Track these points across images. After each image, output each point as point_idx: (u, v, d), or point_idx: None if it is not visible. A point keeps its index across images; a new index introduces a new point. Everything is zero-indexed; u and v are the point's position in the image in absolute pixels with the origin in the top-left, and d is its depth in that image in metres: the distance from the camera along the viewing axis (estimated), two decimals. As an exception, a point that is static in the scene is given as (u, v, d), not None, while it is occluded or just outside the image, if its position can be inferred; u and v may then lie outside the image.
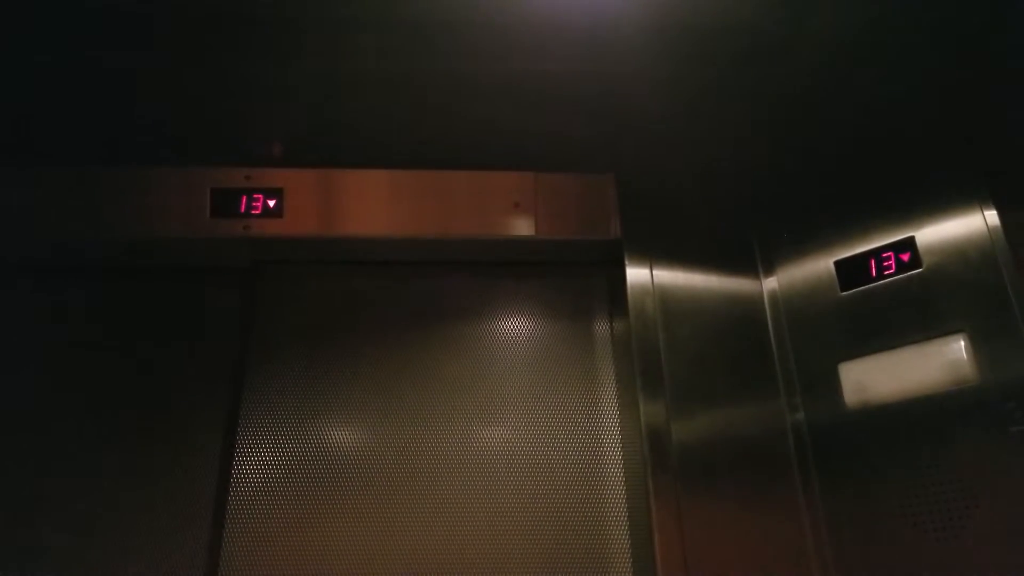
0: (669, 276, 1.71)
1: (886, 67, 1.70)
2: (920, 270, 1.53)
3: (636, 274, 1.70)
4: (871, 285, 1.58)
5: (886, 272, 1.57)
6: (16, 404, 1.70)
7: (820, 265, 1.67)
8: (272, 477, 1.65)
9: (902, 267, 1.55)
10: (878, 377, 1.53)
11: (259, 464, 1.66)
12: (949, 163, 1.57)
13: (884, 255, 1.58)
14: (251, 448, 1.67)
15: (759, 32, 1.68)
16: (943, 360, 1.45)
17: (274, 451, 1.67)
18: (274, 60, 1.77)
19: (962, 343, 1.44)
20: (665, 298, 1.68)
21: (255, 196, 1.73)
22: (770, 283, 1.75)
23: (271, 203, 1.73)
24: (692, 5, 1.64)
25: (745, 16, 1.66)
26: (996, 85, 1.60)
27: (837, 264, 1.64)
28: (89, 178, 1.74)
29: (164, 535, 1.60)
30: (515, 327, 1.84)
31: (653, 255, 1.72)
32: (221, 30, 1.73)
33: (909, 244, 1.55)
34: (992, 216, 1.47)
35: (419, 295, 1.85)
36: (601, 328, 1.84)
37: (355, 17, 1.68)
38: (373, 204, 1.76)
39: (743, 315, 1.71)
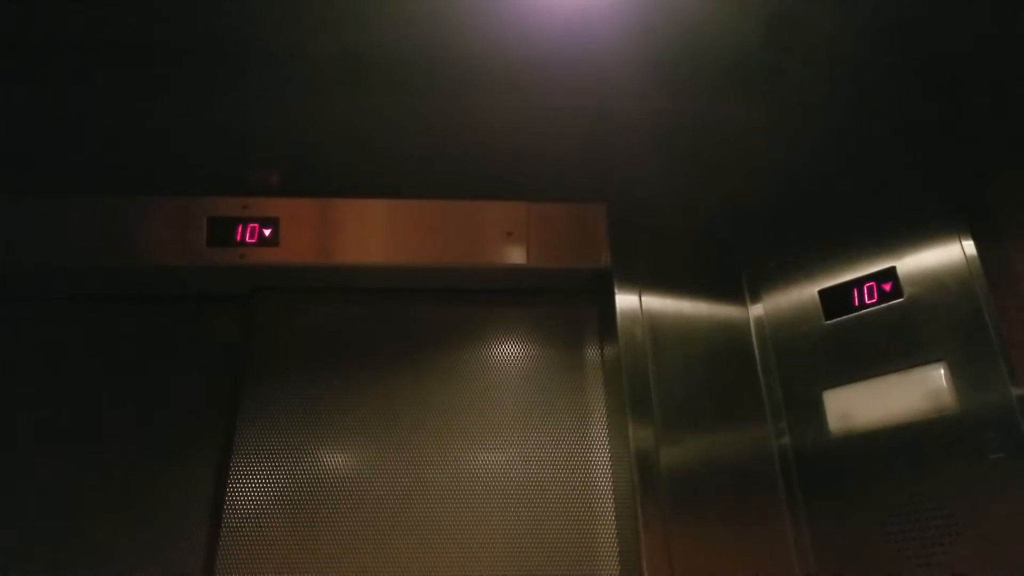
0: (658, 303, 1.74)
1: (867, 101, 1.75)
2: (901, 300, 1.56)
3: (625, 301, 1.73)
4: (854, 314, 1.62)
5: (868, 301, 1.60)
6: (11, 430, 1.71)
7: (805, 294, 1.71)
8: (266, 503, 1.66)
9: (884, 297, 1.59)
10: (861, 405, 1.56)
11: (253, 490, 1.67)
12: (928, 194, 1.62)
13: (867, 285, 1.62)
14: (246, 473, 1.68)
15: (744, 68, 1.73)
16: (924, 388, 1.49)
17: (269, 477, 1.68)
18: (272, 92, 1.80)
19: (942, 372, 1.47)
20: (654, 325, 1.71)
21: (251, 225, 1.75)
22: (756, 311, 1.78)
23: (267, 232, 1.75)
24: (680, 42, 1.69)
25: (731, 52, 1.71)
26: (973, 116, 1.65)
27: (821, 293, 1.68)
28: (87, 206, 1.75)
29: (157, 561, 1.61)
30: (507, 354, 1.86)
31: (642, 283, 1.75)
32: (220, 63, 1.76)
33: (890, 274, 1.59)
34: (970, 246, 1.51)
35: (413, 322, 1.87)
36: (592, 355, 1.87)
37: (351, 51, 1.72)
38: (367, 233, 1.79)
39: (730, 342, 1.75)
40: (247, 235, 1.75)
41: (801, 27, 1.62)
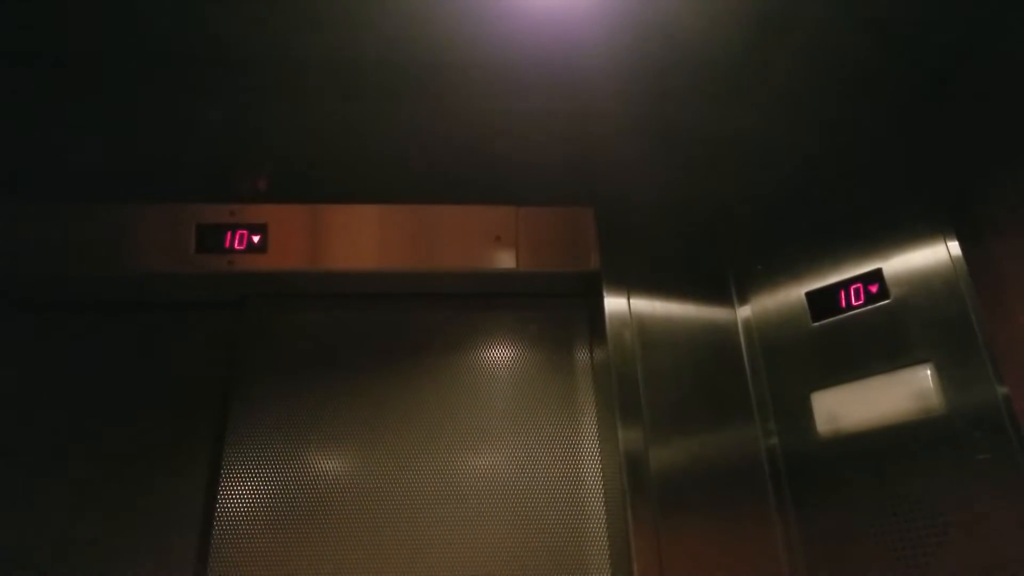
0: (647, 306, 1.75)
1: (852, 103, 1.75)
2: (888, 301, 1.57)
3: (614, 304, 1.74)
4: (841, 316, 1.62)
5: (855, 303, 1.61)
6: (1, 434, 1.71)
7: (792, 295, 1.71)
8: (257, 509, 1.66)
9: (870, 298, 1.59)
10: (849, 406, 1.56)
11: (244, 496, 1.67)
12: (914, 196, 1.62)
13: (853, 287, 1.62)
14: (236, 479, 1.68)
15: (730, 69, 1.73)
16: (911, 390, 1.49)
17: (259, 483, 1.69)
18: (259, 98, 1.80)
19: (928, 372, 1.48)
20: (643, 328, 1.72)
21: (239, 231, 1.75)
22: (744, 312, 1.79)
23: (255, 238, 1.75)
24: (665, 44, 1.69)
25: (717, 54, 1.71)
26: (959, 119, 1.66)
27: (808, 295, 1.69)
28: (76, 214, 1.75)
29: (148, 567, 1.61)
30: (497, 358, 1.87)
31: (631, 286, 1.76)
32: (208, 69, 1.76)
33: (877, 276, 1.60)
34: (955, 247, 1.52)
35: (402, 328, 1.87)
36: (581, 357, 1.88)
37: (339, 57, 1.72)
38: (355, 238, 1.79)
39: (718, 344, 1.75)
40: (236, 242, 1.75)
41: (786, 30, 1.62)
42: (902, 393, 1.50)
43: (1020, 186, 1.49)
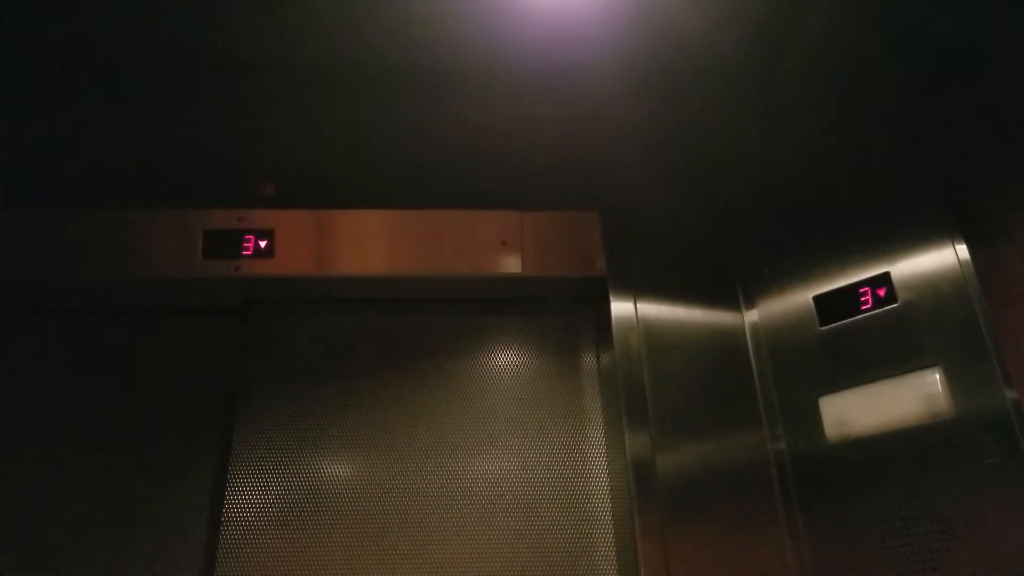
0: (653, 310, 1.74)
1: (858, 105, 1.75)
2: (896, 305, 1.56)
3: (620, 308, 1.73)
4: (849, 320, 1.61)
5: (863, 307, 1.60)
6: (9, 439, 1.72)
7: (799, 299, 1.71)
8: (263, 514, 1.66)
9: (878, 302, 1.58)
10: (857, 411, 1.56)
11: (250, 502, 1.67)
12: (921, 199, 1.61)
13: (861, 290, 1.61)
14: (243, 485, 1.69)
15: (734, 72, 1.74)
16: (919, 394, 1.48)
17: (266, 488, 1.69)
18: (266, 104, 1.81)
19: (937, 376, 1.47)
20: (649, 332, 1.72)
21: (246, 237, 1.76)
22: (751, 316, 1.78)
23: (262, 244, 1.76)
24: (670, 48, 1.69)
25: (721, 59, 1.71)
26: (966, 121, 1.65)
27: (816, 299, 1.68)
28: (84, 218, 1.76)
29: (154, 573, 1.61)
30: (504, 362, 1.87)
31: (637, 290, 1.76)
32: (215, 75, 1.77)
33: (884, 280, 1.59)
34: (963, 250, 1.51)
35: (408, 333, 1.88)
36: (588, 362, 1.88)
37: (348, 63, 1.73)
38: (361, 244, 1.79)
39: (726, 348, 1.75)
40: (243, 247, 1.76)
41: (789, 33, 1.62)
42: (910, 397, 1.49)
43: (1029, 188, 1.49)
